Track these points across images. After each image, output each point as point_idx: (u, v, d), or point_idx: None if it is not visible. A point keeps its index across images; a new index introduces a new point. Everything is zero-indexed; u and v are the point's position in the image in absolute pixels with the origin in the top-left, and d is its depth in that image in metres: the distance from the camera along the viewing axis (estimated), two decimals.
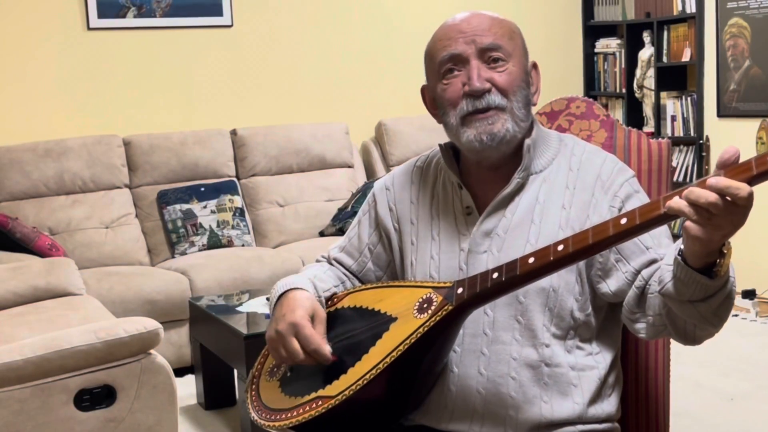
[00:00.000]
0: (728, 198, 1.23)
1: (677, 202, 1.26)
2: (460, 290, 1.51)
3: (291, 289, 1.66)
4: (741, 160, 1.26)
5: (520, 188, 1.65)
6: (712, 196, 1.23)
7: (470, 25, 1.62)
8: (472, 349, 1.62)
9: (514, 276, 1.46)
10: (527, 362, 1.61)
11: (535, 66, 1.70)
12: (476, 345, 1.62)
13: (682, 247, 1.37)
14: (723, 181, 1.23)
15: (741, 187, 1.22)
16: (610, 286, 1.60)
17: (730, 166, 1.25)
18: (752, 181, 1.24)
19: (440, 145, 1.74)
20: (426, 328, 1.49)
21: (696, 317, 1.42)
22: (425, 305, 1.53)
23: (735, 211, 1.24)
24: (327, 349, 1.56)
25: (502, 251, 1.62)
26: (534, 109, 1.74)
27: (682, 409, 3.49)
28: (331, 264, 1.85)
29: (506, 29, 1.64)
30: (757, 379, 3.88)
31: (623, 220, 1.35)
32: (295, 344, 1.56)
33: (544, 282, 1.59)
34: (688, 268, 1.36)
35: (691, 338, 1.49)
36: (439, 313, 1.50)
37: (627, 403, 1.82)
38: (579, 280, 1.62)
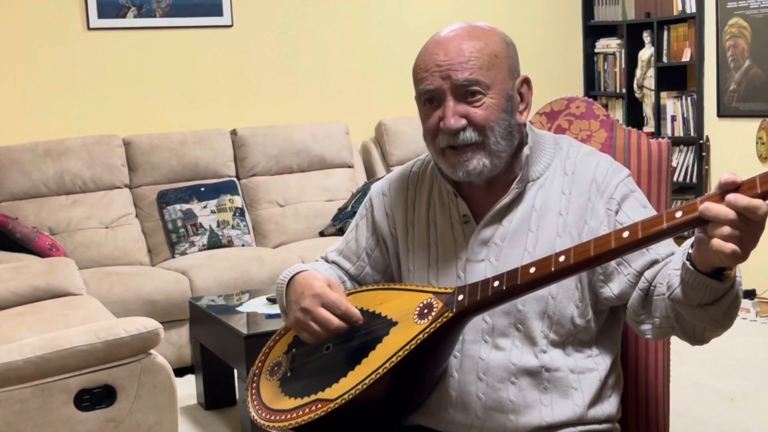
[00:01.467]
0: (746, 214, 1.23)
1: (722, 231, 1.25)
2: (460, 297, 1.51)
3: (296, 274, 1.67)
4: (738, 173, 1.27)
5: (516, 196, 1.65)
6: (731, 214, 1.24)
7: (447, 57, 1.57)
8: (471, 355, 1.62)
9: (515, 285, 1.46)
10: (526, 368, 1.61)
11: (527, 82, 1.65)
12: (475, 351, 1.62)
13: (691, 251, 1.37)
14: (742, 200, 1.23)
15: (759, 206, 1.23)
16: (613, 289, 1.60)
17: (739, 190, 1.25)
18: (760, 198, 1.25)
19: None
20: (426, 335, 1.49)
21: (706, 320, 1.42)
22: (426, 311, 1.53)
23: (757, 226, 1.25)
24: (355, 310, 1.56)
25: (499, 260, 1.62)
26: (531, 114, 1.73)
27: (682, 409, 3.49)
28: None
29: (486, 57, 1.58)
30: (757, 379, 3.88)
31: (625, 234, 1.35)
32: (325, 312, 1.56)
33: (543, 290, 1.58)
34: (698, 273, 1.36)
35: (699, 339, 1.49)
36: (440, 320, 1.50)
37: (627, 403, 1.82)
38: (579, 286, 1.62)
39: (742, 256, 1.27)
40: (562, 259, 1.41)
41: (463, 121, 1.57)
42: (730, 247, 1.25)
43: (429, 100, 1.61)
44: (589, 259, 1.39)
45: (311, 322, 1.57)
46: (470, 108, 1.58)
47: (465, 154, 1.59)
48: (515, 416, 1.60)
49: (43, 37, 4.84)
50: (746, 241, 1.26)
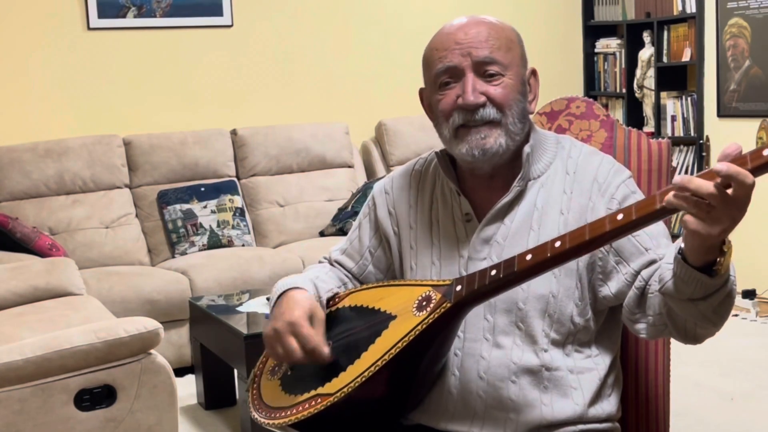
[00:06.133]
0: (734, 184, 1.23)
1: (675, 195, 1.26)
2: (458, 288, 1.51)
3: (291, 289, 1.66)
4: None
5: (518, 195, 1.65)
6: (710, 187, 1.23)
7: (467, 36, 1.60)
8: (472, 354, 1.62)
9: (512, 273, 1.46)
10: (527, 367, 1.61)
11: (534, 73, 1.67)
12: (476, 349, 1.62)
13: (683, 245, 1.37)
14: (732, 168, 1.22)
15: (748, 175, 1.22)
16: (611, 288, 1.60)
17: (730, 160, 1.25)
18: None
19: (436, 152, 1.73)
20: (424, 326, 1.49)
21: (696, 316, 1.42)
22: (424, 303, 1.53)
23: (733, 204, 1.24)
24: (325, 349, 1.56)
25: (501, 258, 1.61)
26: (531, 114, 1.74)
27: (682, 409, 3.49)
28: (332, 265, 1.85)
29: (504, 40, 1.61)
30: (757, 379, 3.88)
31: (620, 216, 1.36)
32: (293, 343, 1.56)
33: (544, 288, 1.59)
34: (688, 266, 1.36)
35: (692, 337, 1.49)
36: (438, 311, 1.50)
37: (627, 403, 1.82)
38: (579, 285, 1.62)
39: (702, 232, 1.26)
40: (557, 244, 1.41)
41: (483, 98, 1.58)
42: (692, 219, 1.26)
43: (444, 83, 1.61)
44: (585, 242, 1.39)
45: (278, 345, 1.58)
46: (490, 86, 1.59)
47: (481, 132, 1.59)
48: (516, 415, 1.60)
49: (43, 37, 4.84)
50: (717, 215, 1.25)
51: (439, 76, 1.61)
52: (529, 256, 1.44)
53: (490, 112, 1.59)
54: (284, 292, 1.66)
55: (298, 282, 1.68)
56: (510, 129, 1.60)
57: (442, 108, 1.62)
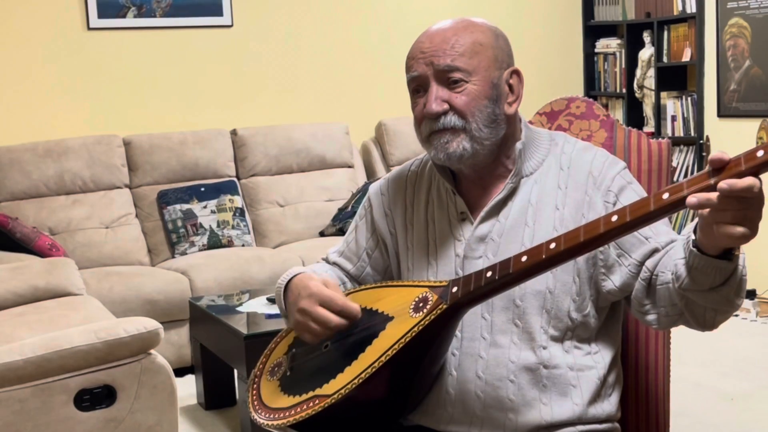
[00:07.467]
0: (741, 195, 1.23)
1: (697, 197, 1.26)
2: (454, 289, 1.51)
3: (294, 277, 1.68)
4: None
5: (512, 192, 1.66)
6: (726, 200, 1.23)
7: (431, 45, 1.63)
8: (470, 353, 1.63)
9: (508, 274, 1.46)
10: (525, 365, 1.61)
11: (516, 73, 1.66)
12: (474, 349, 1.62)
13: (693, 237, 1.37)
14: (738, 184, 1.22)
15: (753, 184, 1.22)
16: (615, 282, 1.60)
17: (726, 169, 1.25)
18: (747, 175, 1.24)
19: None
20: (421, 327, 1.50)
21: (718, 302, 1.43)
22: (421, 304, 1.54)
23: (756, 202, 1.25)
24: (353, 304, 1.57)
25: (497, 256, 1.62)
26: (531, 111, 1.73)
27: (682, 409, 3.49)
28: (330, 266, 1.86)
29: (469, 45, 1.61)
30: (757, 379, 3.88)
31: (614, 218, 1.36)
32: (323, 311, 1.56)
33: (541, 284, 1.59)
34: (708, 257, 1.36)
35: (710, 325, 1.49)
36: (434, 312, 1.50)
37: (627, 403, 1.82)
38: (577, 280, 1.62)
39: (751, 234, 1.27)
40: (552, 246, 1.42)
41: (445, 106, 1.61)
42: (739, 231, 1.25)
43: (416, 90, 1.65)
44: (580, 244, 1.39)
45: (311, 322, 1.57)
46: (452, 94, 1.61)
47: (445, 136, 1.61)
48: (515, 415, 1.60)
49: (43, 37, 4.84)
50: (751, 216, 1.25)
51: (410, 85, 1.67)
52: (524, 258, 1.44)
53: (452, 119, 1.61)
54: (288, 282, 1.68)
55: (299, 270, 1.71)
56: (475, 135, 1.61)
57: (414, 115, 1.66)
